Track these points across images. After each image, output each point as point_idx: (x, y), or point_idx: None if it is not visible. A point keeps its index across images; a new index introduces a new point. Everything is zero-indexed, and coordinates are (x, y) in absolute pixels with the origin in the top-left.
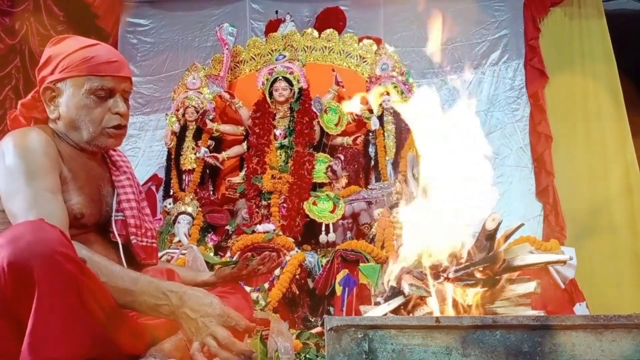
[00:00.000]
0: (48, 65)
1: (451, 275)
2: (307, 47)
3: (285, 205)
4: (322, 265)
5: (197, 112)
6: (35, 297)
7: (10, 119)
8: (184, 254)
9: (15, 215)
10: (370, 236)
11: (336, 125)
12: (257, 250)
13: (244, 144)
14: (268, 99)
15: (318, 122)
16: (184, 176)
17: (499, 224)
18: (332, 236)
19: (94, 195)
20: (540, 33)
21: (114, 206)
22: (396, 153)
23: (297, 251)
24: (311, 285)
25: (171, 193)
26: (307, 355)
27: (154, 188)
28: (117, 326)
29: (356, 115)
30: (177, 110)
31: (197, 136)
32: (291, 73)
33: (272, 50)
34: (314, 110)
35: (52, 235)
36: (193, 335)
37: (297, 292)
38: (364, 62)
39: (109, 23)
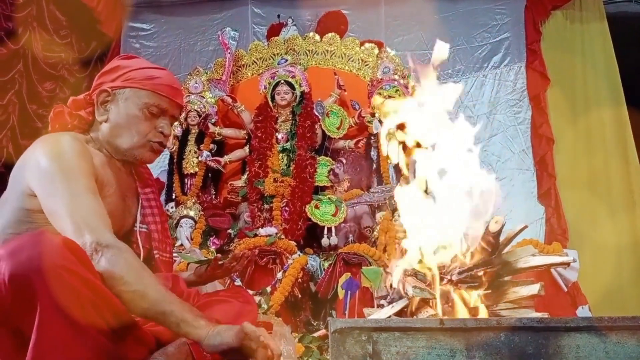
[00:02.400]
0: (113, 73)
1: (455, 278)
2: (309, 51)
3: (287, 208)
4: (324, 269)
5: (200, 116)
6: (37, 311)
7: (54, 112)
8: None
9: (59, 214)
10: (373, 239)
11: (338, 128)
12: (259, 254)
13: (246, 148)
14: (270, 102)
15: (320, 125)
16: (186, 180)
17: (502, 226)
18: (334, 239)
19: (120, 204)
20: (542, 36)
21: (138, 218)
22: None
23: (299, 255)
24: (313, 288)
25: (173, 197)
26: (310, 359)
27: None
28: (121, 335)
29: (358, 118)
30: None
31: (199, 140)
32: (293, 77)
33: (274, 54)
34: (316, 113)
35: (53, 248)
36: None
37: (300, 296)
38: (366, 65)
39: (112, 28)
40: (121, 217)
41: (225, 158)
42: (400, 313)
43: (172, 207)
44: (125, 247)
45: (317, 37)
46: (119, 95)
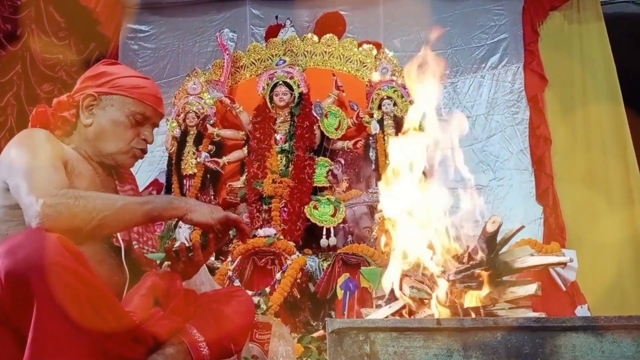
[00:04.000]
0: (99, 79)
1: (452, 278)
2: (307, 52)
3: (286, 209)
4: (323, 269)
5: (198, 117)
6: (34, 309)
7: (36, 111)
8: None
9: (19, 188)
10: (372, 240)
11: (336, 129)
12: (258, 255)
13: (245, 149)
14: (268, 103)
15: (318, 126)
16: (185, 181)
17: (500, 226)
18: (333, 240)
19: None
20: (540, 37)
21: None
22: None
23: (298, 255)
24: (312, 289)
25: None
26: (309, 359)
27: (155, 193)
28: (119, 333)
29: (356, 119)
30: (178, 115)
31: (197, 141)
32: (291, 78)
33: (272, 55)
34: (315, 114)
35: (51, 246)
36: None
37: (299, 296)
38: (364, 66)
39: (110, 29)
40: None
41: (224, 159)
42: (398, 313)
43: None
44: (70, 188)
45: (315, 38)
46: (105, 101)
